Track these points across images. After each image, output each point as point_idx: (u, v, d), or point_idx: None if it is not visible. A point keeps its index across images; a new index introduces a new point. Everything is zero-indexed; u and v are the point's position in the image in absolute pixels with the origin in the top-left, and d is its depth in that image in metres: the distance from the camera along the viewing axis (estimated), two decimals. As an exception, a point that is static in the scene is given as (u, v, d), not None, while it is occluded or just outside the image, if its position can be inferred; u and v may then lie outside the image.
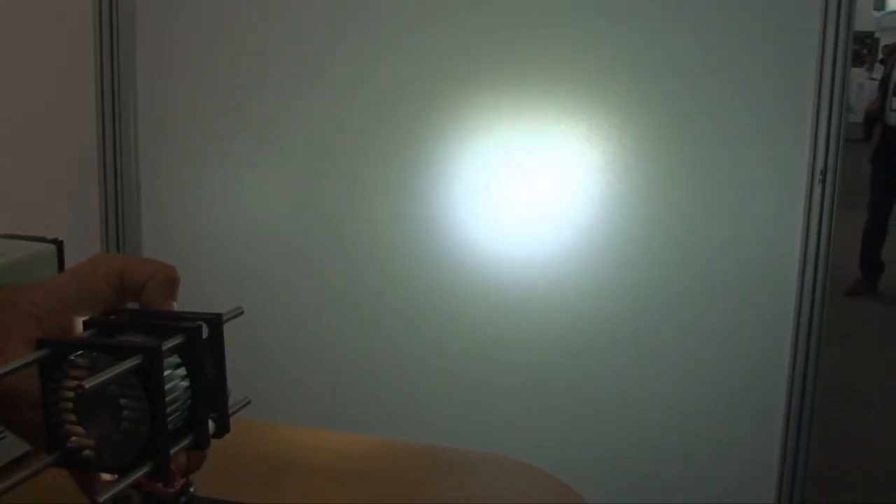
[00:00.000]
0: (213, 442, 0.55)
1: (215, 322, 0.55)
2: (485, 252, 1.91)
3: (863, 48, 13.09)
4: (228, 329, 0.56)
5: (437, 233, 1.93)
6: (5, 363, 0.50)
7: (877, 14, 14.00)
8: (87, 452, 0.51)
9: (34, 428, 0.52)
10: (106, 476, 0.52)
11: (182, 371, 0.53)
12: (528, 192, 1.88)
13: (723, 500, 1.83)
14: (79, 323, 0.55)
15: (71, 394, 0.50)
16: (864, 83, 10.64)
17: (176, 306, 0.57)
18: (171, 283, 0.57)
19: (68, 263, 0.87)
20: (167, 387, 0.51)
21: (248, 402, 0.58)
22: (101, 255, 0.59)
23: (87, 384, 0.46)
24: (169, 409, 0.51)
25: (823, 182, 1.69)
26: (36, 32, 2.11)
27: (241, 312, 0.58)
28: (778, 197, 1.74)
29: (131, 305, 0.58)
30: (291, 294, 2.05)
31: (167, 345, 0.51)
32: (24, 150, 2.14)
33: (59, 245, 0.88)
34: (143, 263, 0.58)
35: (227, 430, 0.56)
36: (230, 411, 0.56)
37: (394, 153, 1.94)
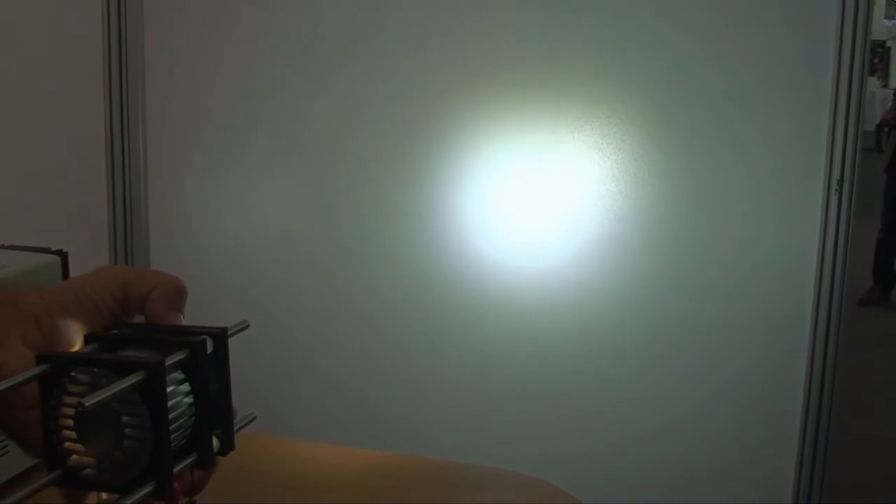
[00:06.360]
0: (218, 459, 0.53)
1: (220, 336, 0.53)
2: (496, 262, 1.90)
3: (874, 57, 13.06)
4: (235, 342, 0.55)
5: (448, 242, 1.92)
6: (3, 364, 0.49)
7: (888, 23, 13.97)
8: (87, 471, 0.49)
9: (28, 429, 0.51)
10: (103, 496, 0.51)
11: (186, 387, 0.51)
12: (540, 201, 1.86)
13: (739, 509, 1.81)
14: (78, 331, 0.54)
15: (71, 410, 0.48)
16: (875, 92, 10.61)
17: (182, 319, 0.56)
18: (176, 294, 0.56)
19: (73, 275, 0.86)
20: (170, 403, 0.49)
21: (254, 418, 0.57)
22: (108, 266, 0.58)
23: (88, 401, 0.45)
24: (172, 427, 0.49)
25: (840, 191, 1.67)
26: (44, 41, 2.11)
27: (247, 326, 0.56)
28: (794, 206, 1.73)
29: (137, 319, 0.57)
30: (301, 306, 2.03)
31: (170, 360, 0.50)
32: (31, 160, 2.14)
33: (63, 256, 0.87)
34: (148, 274, 0.56)
35: (232, 448, 0.54)
36: (235, 428, 0.55)
37: (404, 163, 1.92)
